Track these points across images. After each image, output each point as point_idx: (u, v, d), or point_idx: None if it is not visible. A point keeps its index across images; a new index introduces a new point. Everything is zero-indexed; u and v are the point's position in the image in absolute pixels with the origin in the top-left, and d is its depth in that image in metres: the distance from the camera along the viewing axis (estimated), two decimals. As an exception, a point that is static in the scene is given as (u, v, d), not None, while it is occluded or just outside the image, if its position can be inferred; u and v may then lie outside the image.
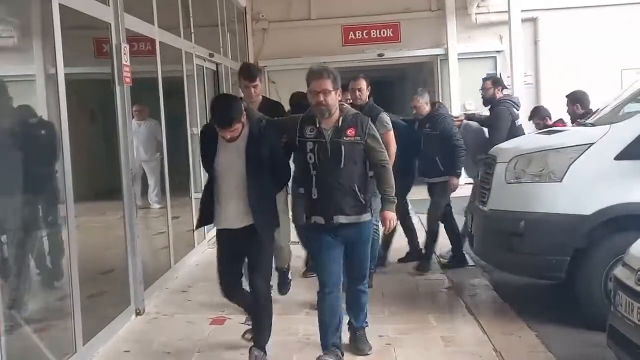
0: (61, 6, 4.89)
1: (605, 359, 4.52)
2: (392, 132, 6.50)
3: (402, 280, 7.23)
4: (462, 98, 14.39)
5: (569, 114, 8.10)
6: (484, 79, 8.47)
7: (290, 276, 6.43)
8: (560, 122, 8.26)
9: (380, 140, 4.73)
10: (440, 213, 7.72)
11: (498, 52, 14.46)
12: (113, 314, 5.79)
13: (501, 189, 6.01)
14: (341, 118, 4.60)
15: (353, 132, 4.58)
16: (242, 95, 5.80)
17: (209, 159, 4.68)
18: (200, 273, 7.69)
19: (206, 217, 4.80)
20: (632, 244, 4.31)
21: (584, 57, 13.71)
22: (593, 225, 5.51)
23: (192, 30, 9.13)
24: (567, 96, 8.19)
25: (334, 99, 4.55)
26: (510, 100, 8.16)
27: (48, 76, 5.22)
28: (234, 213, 4.64)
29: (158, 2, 7.43)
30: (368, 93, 6.83)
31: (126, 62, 6.03)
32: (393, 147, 6.44)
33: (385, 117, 6.59)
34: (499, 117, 7.91)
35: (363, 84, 6.81)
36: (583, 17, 13.87)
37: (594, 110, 7.63)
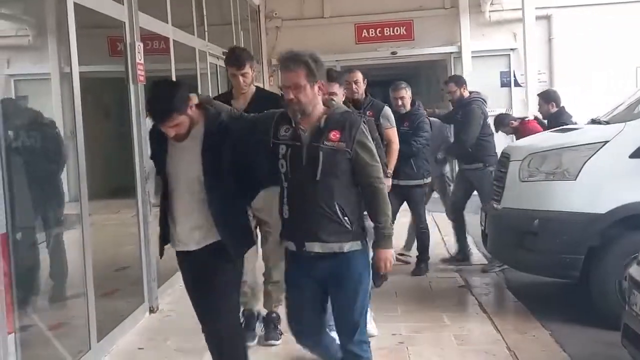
0: (76, 5, 4.91)
1: (619, 358, 4.49)
2: (395, 129, 6.38)
3: (415, 278, 7.22)
4: (475, 96, 14.34)
5: (542, 112, 8.28)
6: (446, 82, 8.15)
7: (279, 326, 5.20)
8: (526, 119, 8.38)
9: (374, 151, 3.63)
10: (425, 217, 7.51)
11: (512, 49, 14.37)
12: (127, 311, 5.82)
13: (515, 187, 5.99)
14: (325, 117, 3.57)
15: (337, 136, 3.51)
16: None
17: (160, 164, 3.85)
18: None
19: (167, 238, 3.95)
20: (647, 242, 4.30)
21: (598, 54, 13.61)
22: (608, 223, 5.49)
23: (206, 29, 9.16)
24: (539, 95, 8.41)
25: (309, 94, 3.53)
26: (481, 98, 7.86)
27: (63, 75, 5.25)
28: (188, 230, 3.78)
29: (172, 1, 7.46)
30: (365, 87, 6.39)
31: (140, 60, 6.06)
32: (396, 145, 6.33)
33: (390, 111, 6.42)
34: (472, 117, 7.56)
35: (359, 75, 6.33)
36: (597, 15, 13.76)
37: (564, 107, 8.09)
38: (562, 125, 7.62)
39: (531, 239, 5.71)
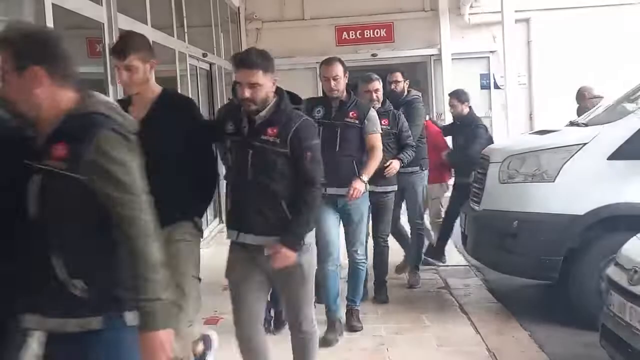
0: (54, 6, 4.87)
1: (598, 359, 4.52)
2: (379, 135, 5.48)
3: (395, 280, 7.22)
4: (455, 98, 14.40)
5: (455, 112, 7.98)
6: (393, 71, 7.24)
7: None
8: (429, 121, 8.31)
9: (125, 178, 2.29)
10: (389, 229, 6.49)
11: (492, 52, 14.46)
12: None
13: (494, 189, 6.01)
14: (59, 121, 2.34)
15: (62, 152, 2.25)
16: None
17: None
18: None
19: None
20: (624, 243, 4.33)
21: (576, 57, 13.73)
22: (586, 225, 5.52)
23: (186, 30, 9.12)
24: (451, 95, 8.09)
25: (16, 89, 2.30)
26: (420, 96, 7.40)
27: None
28: None
29: (151, 2, 7.42)
30: (346, 82, 5.38)
31: (119, 61, 6.01)
32: (380, 151, 5.44)
33: (376, 115, 5.50)
34: (418, 115, 6.98)
35: (339, 69, 5.24)
36: (576, 18, 13.87)
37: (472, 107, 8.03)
38: (477, 126, 7.62)
39: (510, 241, 5.73)
